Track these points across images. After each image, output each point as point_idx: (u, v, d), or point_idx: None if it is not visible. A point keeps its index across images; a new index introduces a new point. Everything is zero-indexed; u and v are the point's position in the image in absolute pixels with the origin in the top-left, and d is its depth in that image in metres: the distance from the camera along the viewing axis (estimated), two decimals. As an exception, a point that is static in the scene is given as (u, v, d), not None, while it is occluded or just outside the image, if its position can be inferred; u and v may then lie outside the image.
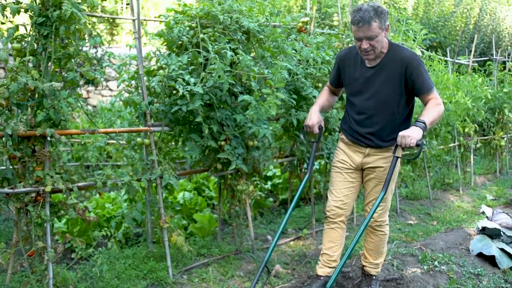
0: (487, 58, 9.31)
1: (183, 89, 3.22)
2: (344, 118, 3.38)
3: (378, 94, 3.09)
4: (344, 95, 3.74)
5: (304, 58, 3.98)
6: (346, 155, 3.32)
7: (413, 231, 4.97)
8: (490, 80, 8.30)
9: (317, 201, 5.77)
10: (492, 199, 6.59)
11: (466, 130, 7.00)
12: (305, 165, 4.71)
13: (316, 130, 3.26)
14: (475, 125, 7.18)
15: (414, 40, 5.31)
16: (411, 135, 2.80)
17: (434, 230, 5.06)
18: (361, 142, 3.22)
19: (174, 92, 3.51)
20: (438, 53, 6.75)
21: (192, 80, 3.27)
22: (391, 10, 5.27)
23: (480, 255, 4.27)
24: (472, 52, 8.11)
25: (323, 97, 3.45)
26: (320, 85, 4.39)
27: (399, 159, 3.10)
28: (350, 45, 4.81)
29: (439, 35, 14.57)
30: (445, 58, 7.48)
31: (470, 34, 15.49)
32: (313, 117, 3.25)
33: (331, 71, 3.45)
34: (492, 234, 4.48)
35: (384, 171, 3.21)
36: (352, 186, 3.31)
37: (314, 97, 4.13)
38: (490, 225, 4.54)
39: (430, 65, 6.10)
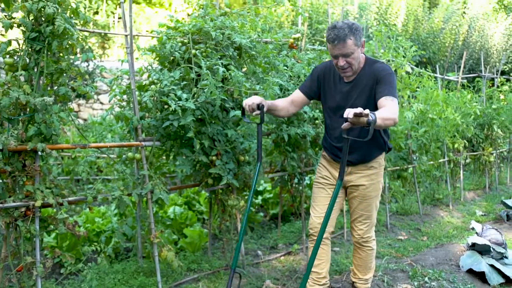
0: (476, 74, 9.42)
1: (175, 104, 3.23)
2: (324, 136, 3.39)
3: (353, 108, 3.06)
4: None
5: (296, 74, 4.02)
6: (328, 171, 3.34)
7: (404, 247, 4.98)
8: (479, 96, 8.39)
9: (308, 216, 5.75)
10: (482, 215, 6.62)
11: (456, 145, 7.05)
12: (295, 180, 4.73)
13: (255, 108, 3.01)
14: (465, 141, 7.24)
15: (404, 57, 5.37)
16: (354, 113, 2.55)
17: (424, 245, 5.07)
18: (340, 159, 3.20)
19: (166, 107, 3.52)
20: (427, 69, 6.82)
21: (184, 95, 3.28)
22: (381, 26, 5.33)
23: (470, 271, 4.28)
24: (461, 69, 8.20)
25: (282, 99, 3.35)
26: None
27: (381, 173, 3.16)
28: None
29: (429, 51, 14.74)
30: (435, 75, 7.56)
31: (459, 51, 15.68)
32: (254, 97, 3.04)
33: (304, 83, 3.37)
34: (482, 250, 4.50)
35: (366, 189, 3.23)
36: (336, 202, 3.27)
37: (305, 112, 4.16)
38: (480, 241, 4.56)
39: (420, 81, 6.16)
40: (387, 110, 2.79)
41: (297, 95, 3.35)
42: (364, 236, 3.35)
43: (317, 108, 4.51)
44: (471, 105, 7.22)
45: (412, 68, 5.96)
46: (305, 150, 4.42)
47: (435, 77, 7.55)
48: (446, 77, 8.19)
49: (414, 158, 6.17)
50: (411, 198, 6.74)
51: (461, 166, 7.53)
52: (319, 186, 3.37)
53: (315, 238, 3.30)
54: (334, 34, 2.88)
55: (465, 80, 8.52)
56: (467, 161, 7.92)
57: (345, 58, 2.94)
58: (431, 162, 6.55)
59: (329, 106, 3.24)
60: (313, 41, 5.39)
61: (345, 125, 2.53)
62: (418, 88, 6.29)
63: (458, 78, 8.17)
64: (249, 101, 3.00)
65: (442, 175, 7.14)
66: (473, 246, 4.61)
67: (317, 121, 4.48)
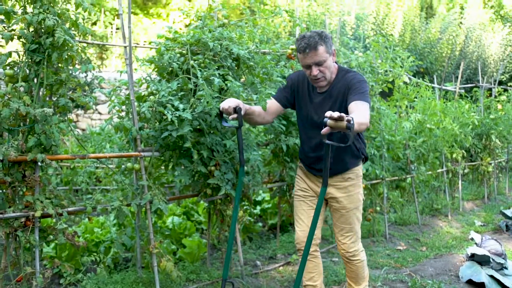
0: (474, 84, 9.47)
1: (172, 115, 3.25)
2: (300, 148, 3.33)
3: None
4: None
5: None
6: (306, 183, 3.29)
7: (402, 257, 4.98)
8: (476, 106, 8.43)
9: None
10: (481, 225, 6.63)
11: (454, 155, 7.08)
12: (293, 190, 4.73)
13: (231, 111, 2.92)
14: (463, 151, 7.26)
15: (401, 67, 5.41)
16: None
17: (423, 256, 5.07)
18: (319, 172, 3.17)
19: (164, 117, 3.53)
20: (425, 79, 6.87)
21: (181, 106, 3.30)
22: (379, 37, 5.36)
23: (469, 282, 4.28)
24: (459, 79, 8.24)
25: (259, 106, 3.25)
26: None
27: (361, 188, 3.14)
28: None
29: (426, 61, 14.81)
30: (432, 85, 7.60)
31: (456, 61, 15.77)
32: (230, 100, 2.94)
33: (278, 91, 3.31)
34: (482, 260, 4.50)
35: (345, 201, 3.17)
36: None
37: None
38: (479, 251, 4.56)
39: (418, 92, 6.19)
40: (360, 114, 2.72)
41: (271, 103, 3.26)
42: (350, 250, 3.25)
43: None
44: (469, 115, 7.26)
45: (409, 78, 6.00)
46: (304, 160, 4.43)
47: (433, 87, 7.59)
48: (443, 87, 8.23)
49: (413, 168, 6.18)
50: (409, 208, 6.75)
51: (460, 176, 7.55)
52: (299, 199, 3.31)
53: (300, 252, 3.25)
54: (305, 43, 2.86)
55: (463, 90, 8.56)
56: (466, 171, 7.94)
57: (318, 67, 2.91)
58: (430, 172, 6.57)
59: (303, 116, 3.20)
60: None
61: (324, 130, 2.43)
62: (416, 98, 6.32)
63: (455, 88, 8.22)
64: (225, 104, 2.92)
65: (441, 185, 7.16)
66: (473, 257, 4.61)
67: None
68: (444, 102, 7.16)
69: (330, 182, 3.15)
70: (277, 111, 3.28)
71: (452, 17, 17.11)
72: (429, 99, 6.48)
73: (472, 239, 5.38)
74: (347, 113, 2.93)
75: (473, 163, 8.15)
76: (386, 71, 5.32)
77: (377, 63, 5.28)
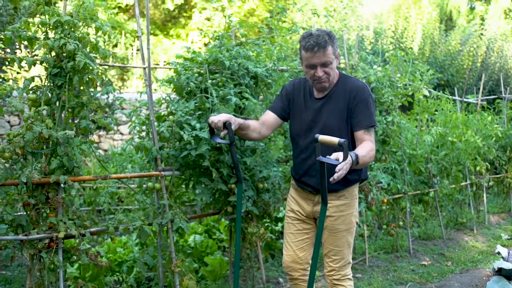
0: (496, 96, 9.35)
1: (188, 134, 3.27)
2: (293, 164, 3.10)
3: (325, 128, 2.82)
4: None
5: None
6: (296, 203, 3.06)
7: (427, 272, 4.90)
8: (499, 118, 8.31)
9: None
10: (508, 239, 6.49)
11: (478, 168, 6.97)
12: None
13: (220, 126, 2.67)
14: (487, 163, 7.15)
15: (421, 80, 5.38)
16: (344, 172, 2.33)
17: (449, 271, 4.98)
18: (309, 187, 2.95)
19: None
20: (445, 92, 6.81)
21: (198, 125, 3.32)
22: (398, 51, 5.35)
23: (496, 296, 4.20)
24: (481, 90, 8.16)
25: (254, 120, 3.09)
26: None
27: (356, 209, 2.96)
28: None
29: (446, 73, 14.69)
30: (453, 97, 7.53)
31: (478, 72, 15.60)
32: (221, 115, 2.70)
33: (274, 102, 3.10)
34: (509, 275, 4.40)
35: (334, 221, 2.92)
36: (307, 237, 3.04)
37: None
38: (507, 265, 4.47)
39: (438, 105, 6.14)
40: (367, 150, 2.65)
41: (268, 115, 3.04)
42: (335, 274, 2.97)
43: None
44: (492, 127, 7.16)
45: (429, 92, 5.95)
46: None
47: (454, 100, 7.52)
48: (465, 100, 8.15)
49: (435, 181, 6.11)
50: (433, 223, 6.65)
51: (484, 189, 7.42)
52: (288, 221, 3.10)
53: (291, 277, 3.09)
54: (314, 41, 2.69)
55: (485, 102, 8.46)
56: (490, 183, 7.80)
57: (324, 68, 2.74)
58: (453, 186, 6.48)
59: (299, 125, 2.96)
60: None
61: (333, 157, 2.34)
62: (437, 111, 6.27)
63: (477, 100, 8.13)
64: (215, 119, 2.67)
65: (465, 198, 7.05)
66: (500, 271, 4.52)
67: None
68: (465, 115, 7.09)
69: (320, 199, 2.92)
70: (275, 124, 3.05)
71: (473, 29, 16.98)
72: (450, 111, 6.41)
73: (498, 253, 5.27)
74: (348, 127, 2.83)
75: (497, 176, 8.01)
76: (406, 84, 5.30)
77: (396, 77, 5.27)
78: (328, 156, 2.35)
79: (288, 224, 3.09)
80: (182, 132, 3.28)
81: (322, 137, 2.35)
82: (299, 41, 2.82)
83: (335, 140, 2.30)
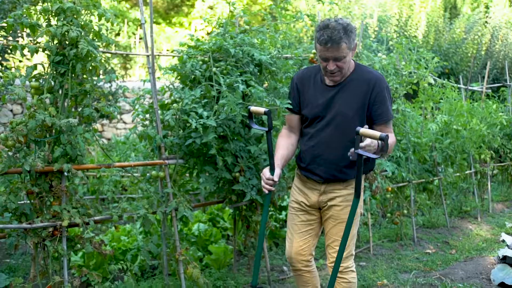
0: (501, 84, 9.28)
1: (196, 122, 3.25)
2: (299, 152, 3.05)
3: (338, 116, 2.80)
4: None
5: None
6: (301, 193, 3.01)
7: (432, 260, 4.89)
8: (504, 106, 8.24)
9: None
10: (512, 227, 6.48)
11: (482, 156, 6.93)
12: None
13: (261, 112, 2.76)
14: (491, 151, 7.11)
15: (426, 68, 5.34)
16: (374, 150, 2.41)
17: (453, 259, 4.98)
18: (316, 176, 2.89)
19: (188, 125, 3.55)
20: (450, 80, 6.75)
21: (205, 113, 3.30)
22: (402, 38, 5.31)
23: (502, 285, 4.19)
24: (485, 79, 8.09)
25: (282, 145, 2.96)
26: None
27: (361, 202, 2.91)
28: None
29: (451, 61, 14.59)
30: (458, 85, 7.48)
31: (482, 60, 15.49)
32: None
33: (289, 98, 3.04)
34: (513, 262, 4.40)
35: (341, 210, 2.88)
36: (311, 228, 3.01)
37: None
38: (511, 253, 4.46)
39: (443, 93, 6.09)
40: (390, 142, 2.65)
41: (291, 119, 3.02)
42: (342, 264, 2.90)
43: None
44: (497, 115, 7.11)
45: (434, 80, 5.91)
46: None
47: (459, 88, 7.46)
48: (470, 88, 8.09)
49: (440, 170, 6.08)
50: (437, 211, 6.63)
51: (489, 177, 7.39)
52: (291, 211, 3.06)
53: (294, 268, 3.07)
54: (328, 36, 2.60)
55: (490, 90, 8.39)
56: (495, 172, 7.76)
57: (336, 62, 2.68)
58: (457, 174, 6.46)
59: (309, 112, 2.89)
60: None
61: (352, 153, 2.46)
62: (442, 99, 6.23)
63: (482, 88, 8.07)
64: (256, 108, 2.80)
65: (469, 186, 7.02)
66: (504, 259, 4.51)
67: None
68: (470, 103, 7.04)
69: (327, 189, 2.90)
70: (299, 122, 3.02)
71: (477, 17, 16.82)
72: (455, 100, 6.37)
73: (503, 241, 5.27)
74: (364, 118, 2.81)
75: (502, 164, 7.98)
76: (411, 72, 5.26)
77: (401, 65, 5.22)
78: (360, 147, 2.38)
79: (292, 215, 3.05)
80: (190, 120, 3.25)
81: (363, 130, 2.35)
82: (315, 29, 2.75)
83: (376, 134, 2.30)
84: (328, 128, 2.83)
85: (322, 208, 2.97)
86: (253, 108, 2.65)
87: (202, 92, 3.49)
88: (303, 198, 3.00)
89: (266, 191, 2.78)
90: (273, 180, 2.75)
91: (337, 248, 2.82)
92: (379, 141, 2.34)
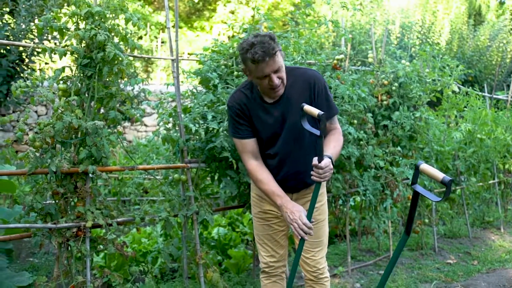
0: (526, 93, 9.14)
1: (197, 127, 3.29)
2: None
3: (292, 128, 2.68)
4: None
5: (340, 95, 4.02)
6: (268, 202, 2.86)
7: (453, 271, 4.83)
8: (530, 115, 8.12)
9: (353, 237, 5.69)
10: (535, 238, 6.36)
11: (507, 166, 6.83)
12: (340, 202, 4.68)
13: (315, 113, 2.46)
14: (516, 161, 7.01)
15: (450, 76, 5.28)
16: (330, 169, 2.40)
17: (475, 270, 4.90)
18: (289, 189, 2.77)
19: (210, 129, 3.57)
20: (474, 88, 6.66)
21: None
22: (426, 45, 5.26)
23: (524, 297, 4.12)
24: (511, 87, 7.98)
25: (269, 178, 2.71)
26: (355, 121, 4.39)
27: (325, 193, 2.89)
28: (384, 81, 4.82)
29: (475, 69, 14.43)
30: (483, 94, 7.38)
31: (508, 68, 15.28)
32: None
33: (237, 129, 2.74)
34: (537, 275, 4.33)
35: (316, 211, 2.79)
36: (283, 234, 2.94)
37: (350, 133, 4.11)
38: (534, 265, 4.38)
39: (467, 101, 6.03)
40: (337, 143, 2.67)
41: (249, 145, 2.75)
42: (320, 266, 2.88)
43: (361, 129, 4.48)
44: (522, 124, 7.00)
45: (459, 88, 5.84)
46: (350, 171, 4.38)
47: (483, 96, 7.37)
48: (494, 96, 7.98)
49: (462, 179, 6.00)
50: (459, 221, 6.54)
51: (512, 187, 7.28)
52: (261, 222, 2.93)
53: (272, 273, 2.99)
54: (262, 51, 2.43)
55: (515, 99, 8.27)
56: (519, 182, 7.63)
57: (277, 74, 2.53)
58: (480, 184, 6.37)
59: (267, 135, 2.73)
60: (355, 61, 5.36)
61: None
62: (466, 107, 6.16)
63: (507, 97, 7.96)
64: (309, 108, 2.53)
65: (493, 196, 6.92)
66: (528, 271, 4.43)
67: (361, 142, 4.44)
68: (495, 112, 6.95)
69: (298, 197, 2.83)
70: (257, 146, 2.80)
71: (502, 24, 16.61)
72: (479, 108, 6.29)
73: (527, 253, 5.17)
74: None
75: (526, 174, 7.84)
76: (434, 80, 5.21)
77: (425, 72, 5.18)
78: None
79: (263, 226, 2.93)
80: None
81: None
82: (240, 53, 2.56)
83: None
84: (287, 143, 2.73)
85: None
86: (306, 107, 2.45)
87: (218, 96, 3.51)
88: (270, 206, 2.87)
89: (299, 237, 2.53)
90: (310, 228, 2.51)
91: (317, 250, 2.88)
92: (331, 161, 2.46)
